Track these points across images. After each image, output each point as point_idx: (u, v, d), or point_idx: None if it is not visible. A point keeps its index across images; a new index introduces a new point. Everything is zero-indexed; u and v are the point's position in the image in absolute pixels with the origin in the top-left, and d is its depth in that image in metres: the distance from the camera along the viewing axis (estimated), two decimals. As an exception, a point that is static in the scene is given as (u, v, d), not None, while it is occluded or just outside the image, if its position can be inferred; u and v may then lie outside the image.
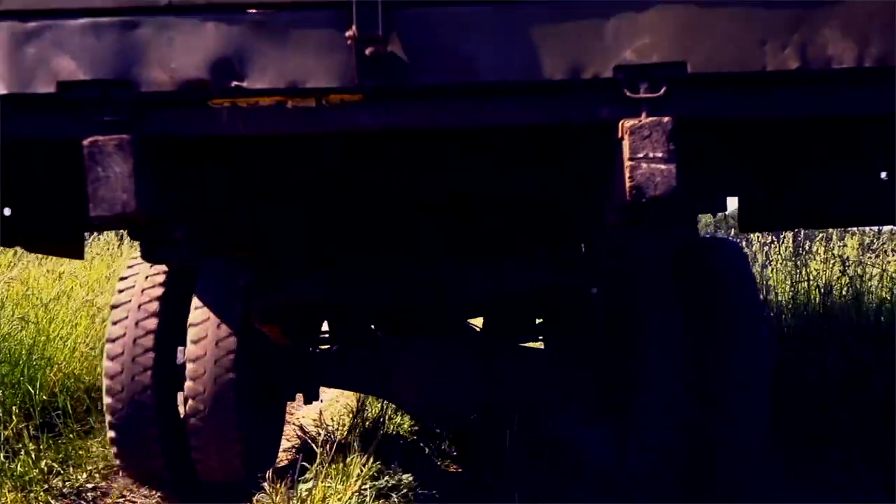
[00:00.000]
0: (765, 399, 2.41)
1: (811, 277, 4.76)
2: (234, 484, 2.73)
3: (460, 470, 3.18)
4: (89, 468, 3.34)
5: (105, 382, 2.64)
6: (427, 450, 3.39)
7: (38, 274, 4.95)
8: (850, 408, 3.03)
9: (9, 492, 2.95)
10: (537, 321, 3.32)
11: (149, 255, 1.85)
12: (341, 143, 1.93)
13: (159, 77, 1.54)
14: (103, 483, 3.25)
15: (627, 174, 1.53)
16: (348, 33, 1.50)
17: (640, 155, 1.52)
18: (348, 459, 3.06)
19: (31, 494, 2.96)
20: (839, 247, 6.12)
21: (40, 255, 5.20)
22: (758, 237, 6.43)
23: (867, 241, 6.42)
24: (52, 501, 2.96)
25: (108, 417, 2.69)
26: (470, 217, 2.43)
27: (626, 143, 1.53)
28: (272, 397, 3.10)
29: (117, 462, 2.85)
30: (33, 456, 3.23)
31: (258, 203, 2.22)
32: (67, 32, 1.52)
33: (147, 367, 2.62)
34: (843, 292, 4.46)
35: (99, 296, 5.15)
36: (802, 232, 6.29)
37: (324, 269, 2.59)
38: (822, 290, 4.36)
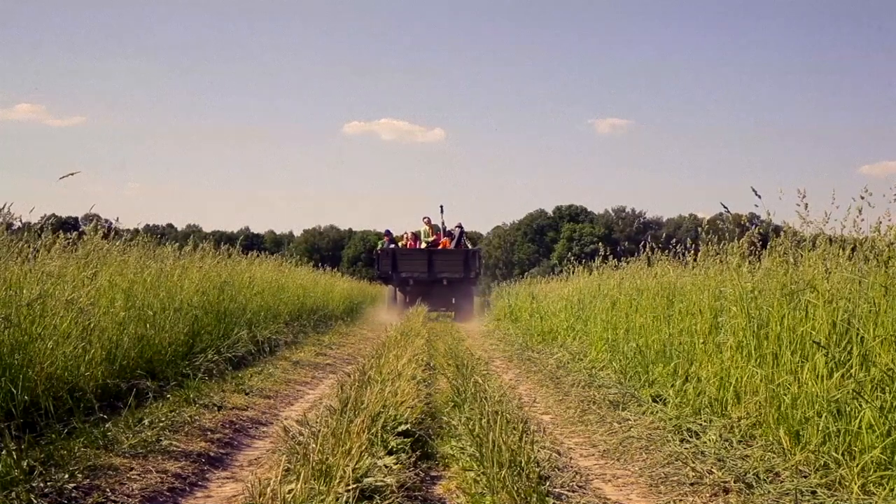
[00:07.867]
0: (473, 306, 21.01)
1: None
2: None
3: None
4: (71, 468, 3.29)
5: (386, 296, 21.31)
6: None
7: (21, 273, 4.86)
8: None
9: (-10, 491, 2.93)
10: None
11: (384, 283, 21.07)
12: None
13: None
14: (85, 482, 3.22)
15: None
16: None
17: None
18: (331, 461, 3.08)
19: (13, 494, 2.92)
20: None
21: (23, 255, 5.14)
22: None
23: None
24: (35, 500, 2.91)
25: (386, 303, 20.88)
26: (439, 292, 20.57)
27: None
28: (406, 303, 19.36)
29: (385, 315, 18.81)
30: (15, 456, 3.20)
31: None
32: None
33: (392, 292, 20.56)
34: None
35: (83, 296, 5.05)
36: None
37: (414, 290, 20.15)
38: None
